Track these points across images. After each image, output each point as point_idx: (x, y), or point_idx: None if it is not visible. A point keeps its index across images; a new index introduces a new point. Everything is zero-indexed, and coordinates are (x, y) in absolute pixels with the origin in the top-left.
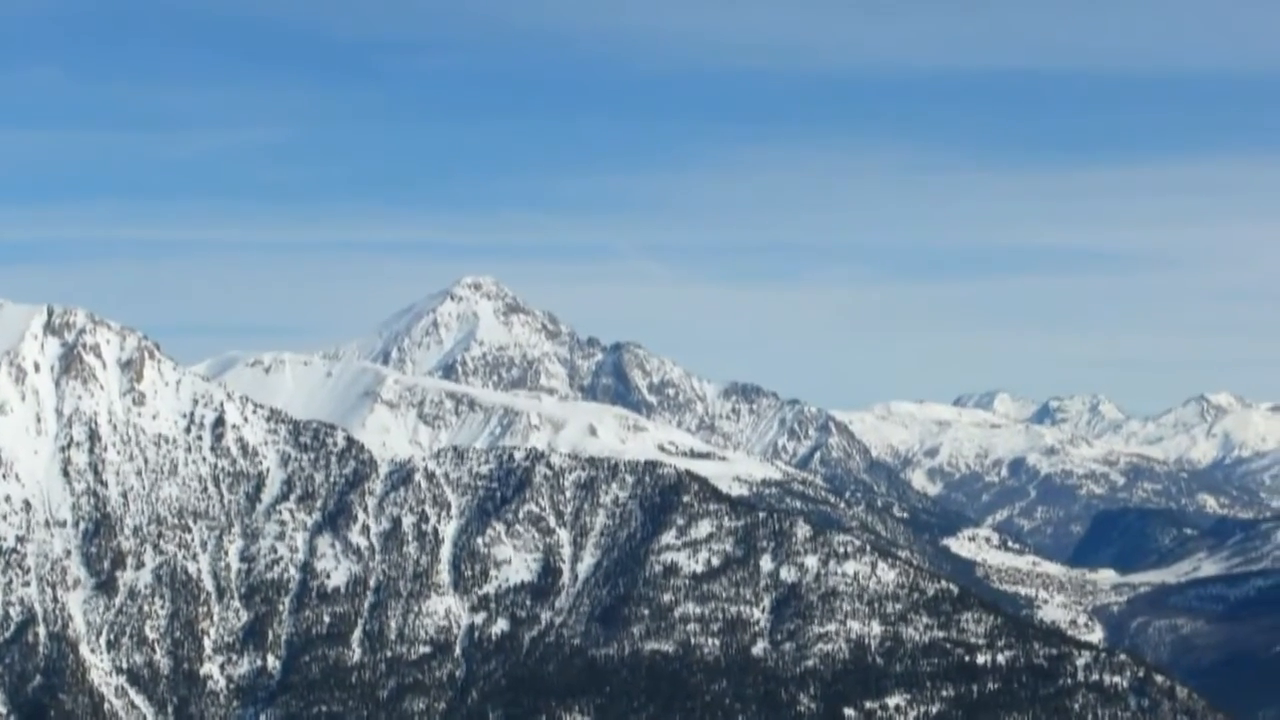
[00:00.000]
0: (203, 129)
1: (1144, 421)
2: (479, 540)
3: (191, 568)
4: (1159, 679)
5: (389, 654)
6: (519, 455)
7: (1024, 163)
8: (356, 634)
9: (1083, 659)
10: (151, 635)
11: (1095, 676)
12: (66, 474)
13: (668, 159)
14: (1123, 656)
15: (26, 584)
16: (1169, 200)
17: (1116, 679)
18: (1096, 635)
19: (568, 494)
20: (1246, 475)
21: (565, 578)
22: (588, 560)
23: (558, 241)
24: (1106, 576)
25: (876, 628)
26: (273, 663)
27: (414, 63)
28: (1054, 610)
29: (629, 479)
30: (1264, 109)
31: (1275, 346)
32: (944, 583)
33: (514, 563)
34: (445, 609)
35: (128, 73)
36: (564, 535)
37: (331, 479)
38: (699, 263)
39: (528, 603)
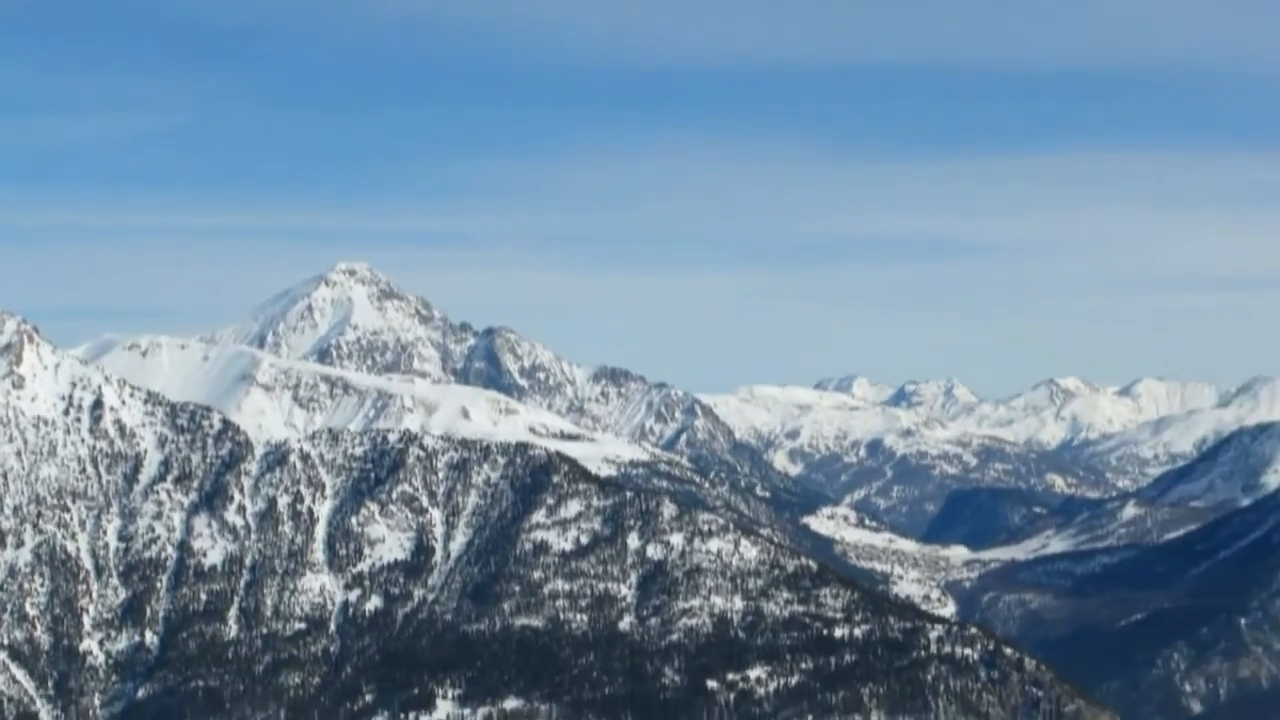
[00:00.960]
0: (80, 115)
1: (996, 405)
2: (353, 520)
3: (70, 546)
4: (1008, 651)
5: (265, 630)
6: (393, 437)
7: (882, 155)
8: (233, 611)
9: (936, 632)
10: (32, 612)
11: (948, 649)
12: None
13: (539, 147)
14: (974, 630)
15: None
16: (1020, 191)
17: (968, 651)
18: (949, 609)
19: (440, 475)
20: (1093, 456)
21: (438, 556)
22: (460, 539)
23: (431, 228)
24: (959, 553)
25: (739, 603)
26: (151, 638)
27: (288, 50)
28: (909, 585)
29: (500, 460)
30: (1109, 103)
31: (1122, 332)
32: (804, 559)
33: (387, 541)
34: (320, 586)
35: (5, 58)
36: (436, 515)
37: (208, 460)
38: (569, 249)
39: (401, 580)
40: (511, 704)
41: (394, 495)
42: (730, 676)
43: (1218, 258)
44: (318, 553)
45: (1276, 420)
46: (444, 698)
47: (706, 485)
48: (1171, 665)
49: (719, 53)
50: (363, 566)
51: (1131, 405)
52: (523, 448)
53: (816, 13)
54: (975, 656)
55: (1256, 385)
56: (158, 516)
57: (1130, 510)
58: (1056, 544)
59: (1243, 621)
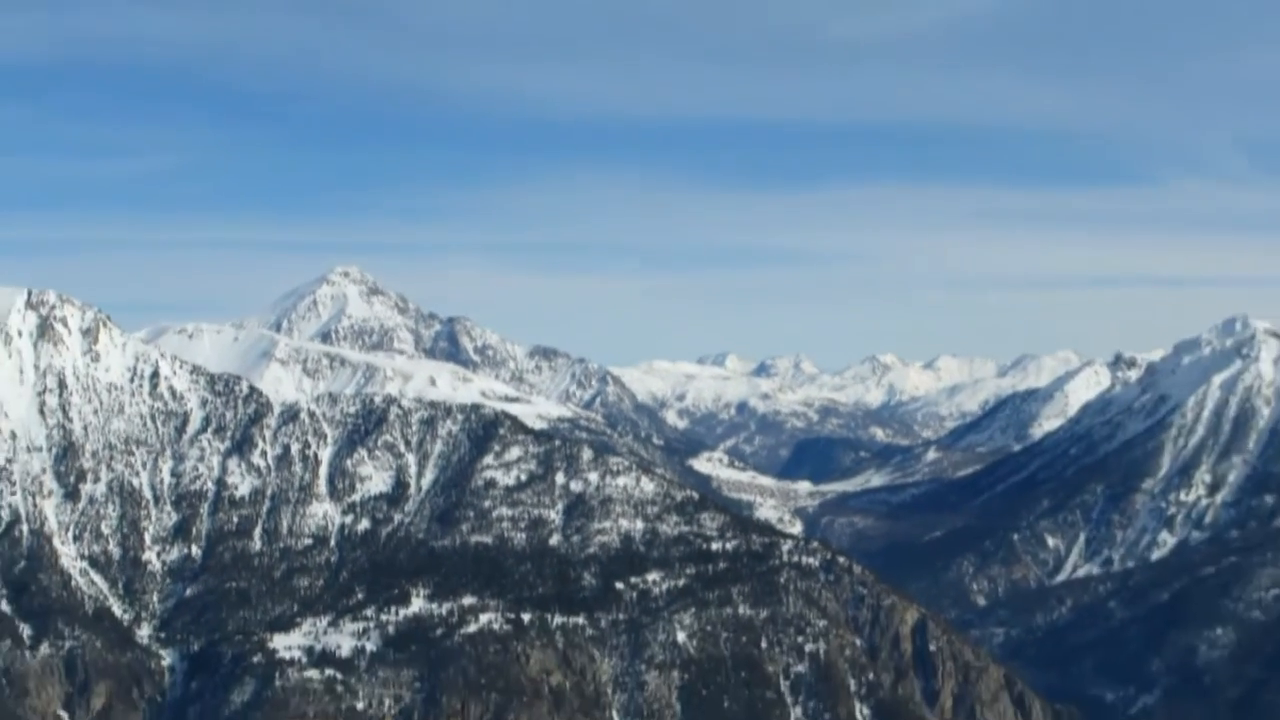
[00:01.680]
0: (133, 156)
1: (832, 375)
2: (348, 462)
3: (135, 481)
4: (841, 560)
5: (282, 545)
6: (378, 400)
7: (744, 187)
8: (257, 530)
9: (787, 546)
10: (106, 531)
11: (796, 559)
12: (42, 413)
13: (491, 180)
14: (815, 544)
15: (13, 494)
16: (844, 214)
17: (811, 560)
18: (797, 529)
19: (414, 428)
20: (905, 414)
21: (412, 489)
22: (429, 476)
23: (408, 240)
24: (805, 487)
25: (640, 525)
26: (196, 551)
27: (302, 109)
28: (767, 511)
29: (459, 417)
30: (908, 149)
31: (926, 320)
32: (689, 492)
33: (374, 479)
34: (323, 512)
35: (85, 114)
36: (411, 458)
37: (238, 416)
38: (513, 256)
39: (384, 508)
40: (468, 600)
41: (379, 444)
42: (633, 580)
43: (997, 263)
44: (321, 487)
45: (1040, 387)
46: (417, 596)
47: (616, 436)
48: (962, 570)
49: (630, 109)
50: (355, 497)
51: (933, 376)
52: (476, 408)
53: (697, 79)
54: (816, 564)
55: (1026, 361)
56: (200, 459)
57: (932, 455)
58: (877, 480)
59: (1015, 537)
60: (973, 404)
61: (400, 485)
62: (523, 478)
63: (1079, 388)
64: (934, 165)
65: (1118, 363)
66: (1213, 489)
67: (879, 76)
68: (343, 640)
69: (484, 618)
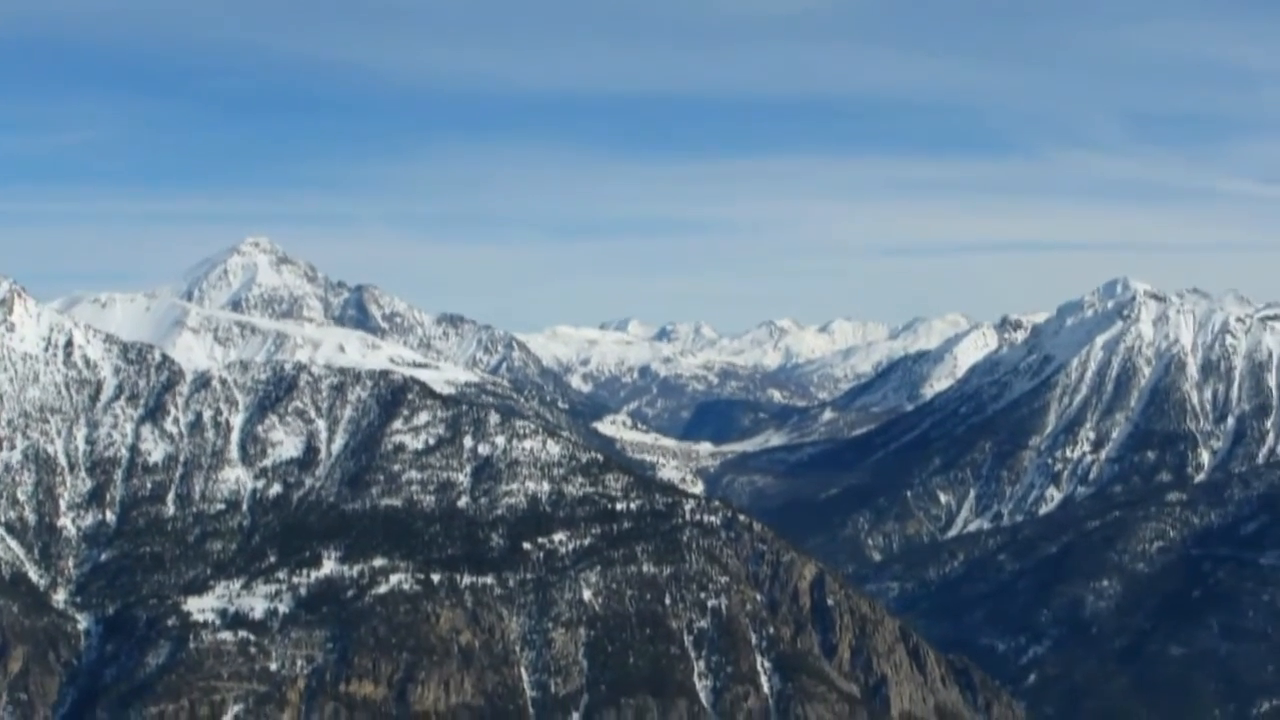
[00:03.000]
0: (47, 130)
1: (732, 339)
2: (259, 428)
3: (50, 449)
4: (742, 518)
5: (195, 510)
6: (288, 366)
7: (644, 160)
8: (171, 495)
9: (689, 505)
10: (21, 498)
11: (698, 517)
12: None
13: (397, 152)
14: (717, 503)
15: None
16: (740, 185)
17: (712, 518)
18: (699, 488)
19: (324, 394)
20: (801, 376)
21: (323, 454)
22: (339, 441)
23: (316, 210)
24: (705, 447)
25: (546, 486)
26: (110, 516)
27: (216, 85)
28: (669, 471)
29: (368, 383)
30: (796, 122)
31: (821, 286)
32: (593, 453)
33: (285, 444)
34: (235, 477)
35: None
36: (321, 424)
37: (151, 384)
38: (421, 226)
39: (295, 472)
40: (378, 562)
41: (289, 409)
42: (540, 540)
43: (888, 231)
44: (233, 452)
45: (930, 349)
46: (328, 559)
47: (522, 400)
48: (858, 526)
49: (534, 83)
50: (266, 462)
51: (828, 339)
52: (385, 374)
53: (601, 54)
54: (718, 522)
55: (916, 324)
56: (114, 426)
57: (827, 415)
58: (775, 440)
59: (908, 494)
60: (866, 366)
61: (311, 450)
62: (431, 442)
63: (968, 349)
64: (827, 137)
65: (1004, 325)
66: (1097, 446)
67: (773, 51)
68: (255, 603)
69: (394, 579)
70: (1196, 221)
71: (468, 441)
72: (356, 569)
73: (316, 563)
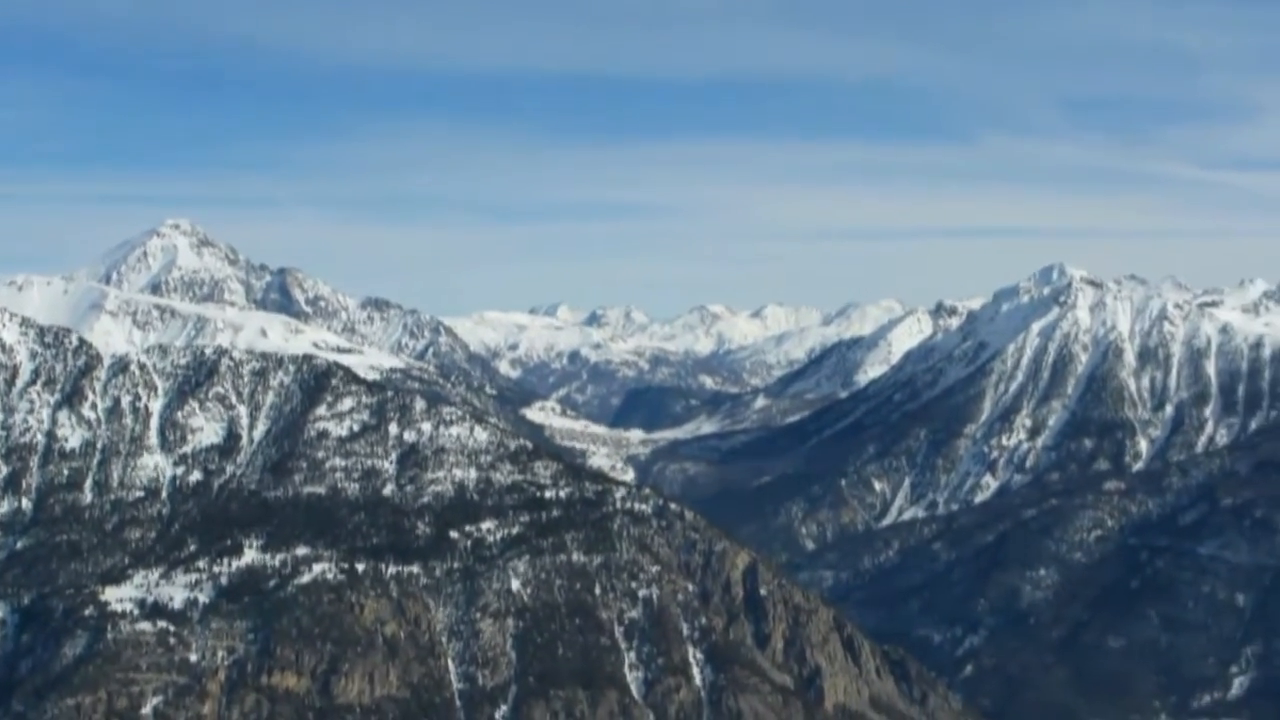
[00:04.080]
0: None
1: (663, 324)
2: (179, 414)
3: None
4: (673, 506)
5: (113, 497)
6: (209, 351)
7: (574, 144)
8: (88, 483)
9: (620, 493)
10: None
11: (629, 505)
12: None
13: (321, 133)
14: (647, 491)
15: None
16: (674, 169)
17: (643, 507)
18: (629, 476)
19: (245, 379)
20: (734, 362)
21: (244, 440)
22: (261, 428)
23: (237, 193)
24: (636, 435)
25: (473, 473)
26: (26, 504)
27: (135, 63)
28: (599, 459)
29: (291, 368)
30: (734, 108)
31: (753, 271)
32: (522, 440)
33: (205, 430)
34: (154, 464)
35: None
36: (243, 410)
37: (68, 369)
38: (344, 209)
39: (216, 459)
40: (301, 551)
41: (210, 395)
42: (468, 528)
43: (821, 216)
44: (152, 439)
45: (864, 335)
46: (250, 547)
47: (449, 386)
48: (792, 515)
49: (462, 64)
50: (187, 449)
51: (760, 325)
52: (308, 359)
53: (530, 36)
54: (649, 511)
55: (850, 309)
56: (30, 412)
57: (760, 402)
58: (708, 427)
59: (842, 482)
60: (799, 352)
61: (232, 437)
62: (355, 428)
63: (902, 336)
64: (759, 121)
65: (939, 311)
66: (1033, 433)
67: (705, 34)
68: (175, 592)
69: (317, 568)
70: (1134, 207)
71: (393, 428)
72: (279, 558)
73: (238, 551)
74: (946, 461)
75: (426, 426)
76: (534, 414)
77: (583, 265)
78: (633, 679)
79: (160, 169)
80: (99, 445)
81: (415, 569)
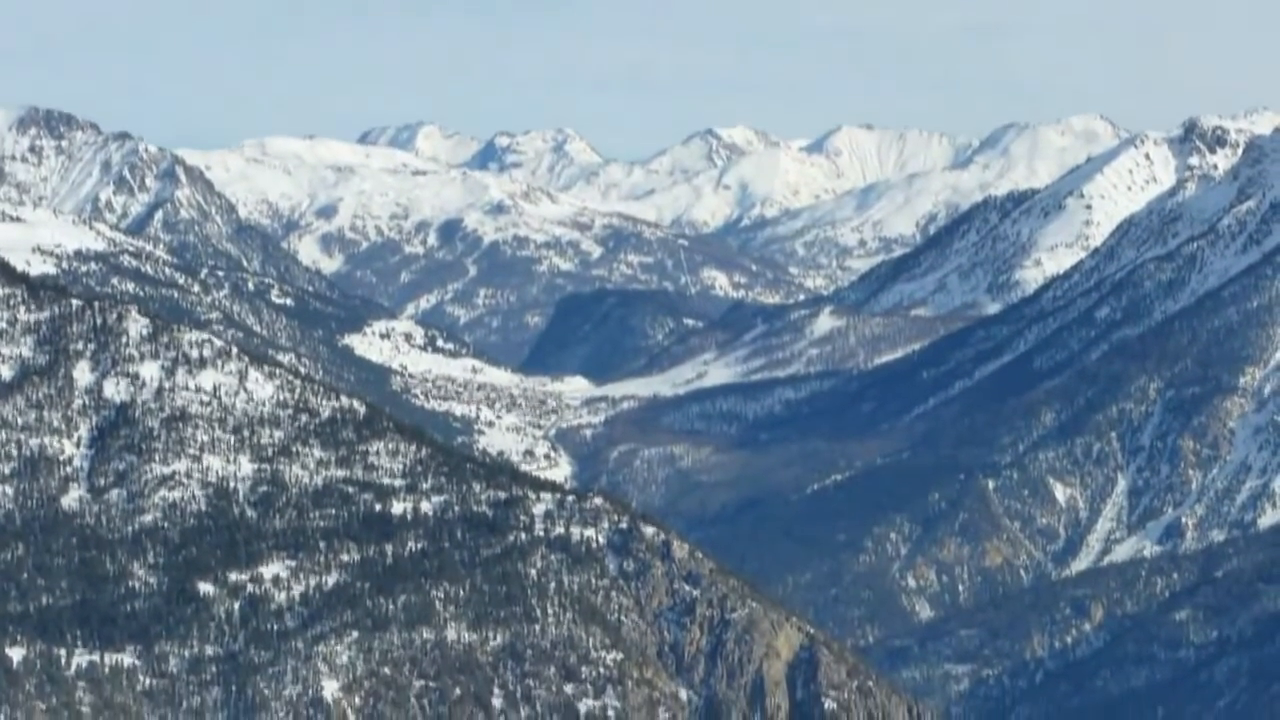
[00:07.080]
0: None
1: (629, 166)
2: None
3: None
4: (649, 531)
5: None
6: None
7: None
8: None
9: (542, 505)
10: None
11: (559, 530)
12: None
13: None
14: (598, 500)
15: None
16: None
17: (589, 532)
18: (562, 470)
19: None
20: (771, 243)
21: None
22: None
23: None
24: (576, 387)
25: (247, 466)
26: None
27: None
28: (502, 436)
29: None
30: None
31: (812, 66)
32: (345, 399)
33: None
34: None
35: None
36: None
37: None
38: None
39: None
40: None
41: None
42: (234, 576)
43: None
44: None
45: (1035, 187)
46: None
47: (196, 289)
48: (887, 549)
49: None
50: None
51: (826, 166)
52: None
53: None
54: (600, 540)
55: (1006, 137)
56: None
57: (825, 321)
58: (718, 372)
59: (990, 485)
60: (904, 222)
61: None
62: (7, 373)
63: (1109, 187)
64: None
65: (1190, 138)
66: None
67: None
68: None
69: None
70: None
71: (83, 373)
72: None
73: None
74: (1200, 444)
75: (151, 371)
76: (370, 345)
77: (468, 45)
78: None
79: None
80: None
81: (125, 658)
